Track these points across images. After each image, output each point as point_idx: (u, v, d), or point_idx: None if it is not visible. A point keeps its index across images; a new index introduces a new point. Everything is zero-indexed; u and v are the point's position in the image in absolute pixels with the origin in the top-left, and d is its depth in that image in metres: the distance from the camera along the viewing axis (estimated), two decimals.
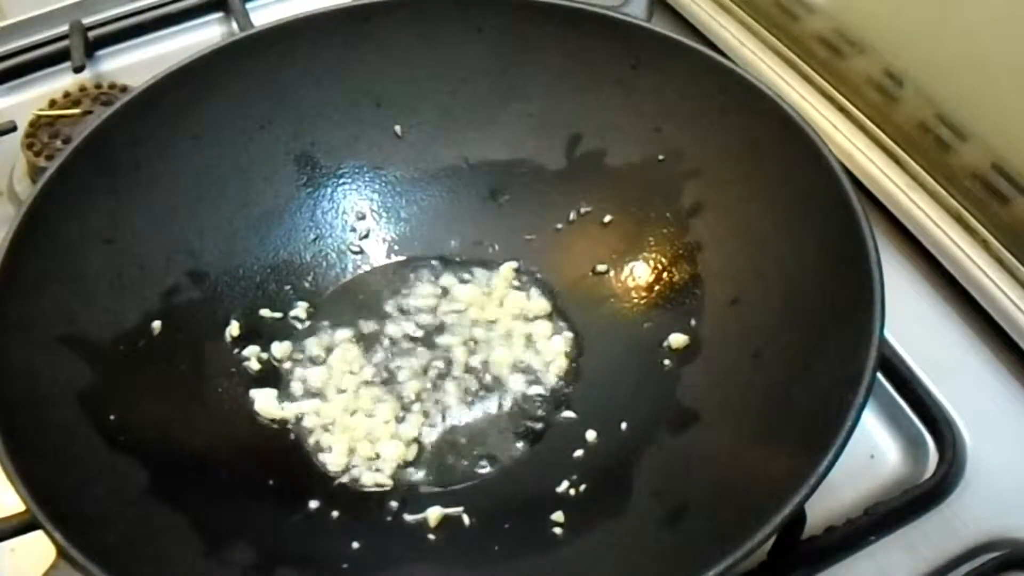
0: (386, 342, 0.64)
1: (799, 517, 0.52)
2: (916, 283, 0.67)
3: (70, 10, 0.87)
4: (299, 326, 0.65)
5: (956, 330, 0.65)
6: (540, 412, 0.61)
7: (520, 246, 0.67)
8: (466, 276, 0.67)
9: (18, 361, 0.53)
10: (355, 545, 0.55)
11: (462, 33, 0.67)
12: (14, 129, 0.77)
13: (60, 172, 0.58)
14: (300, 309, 0.65)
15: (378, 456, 0.59)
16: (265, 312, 0.65)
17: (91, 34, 0.85)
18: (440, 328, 0.65)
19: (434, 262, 0.68)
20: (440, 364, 0.63)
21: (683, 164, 0.64)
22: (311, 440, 0.60)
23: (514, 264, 0.67)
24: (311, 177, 0.68)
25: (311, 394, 0.62)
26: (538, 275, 0.66)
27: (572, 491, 0.57)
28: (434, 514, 0.56)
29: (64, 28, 0.85)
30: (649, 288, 0.64)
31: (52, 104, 0.78)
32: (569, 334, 0.64)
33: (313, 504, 0.57)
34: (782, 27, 0.79)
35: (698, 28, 0.83)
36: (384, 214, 0.69)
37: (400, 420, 0.61)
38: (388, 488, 0.58)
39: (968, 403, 0.61)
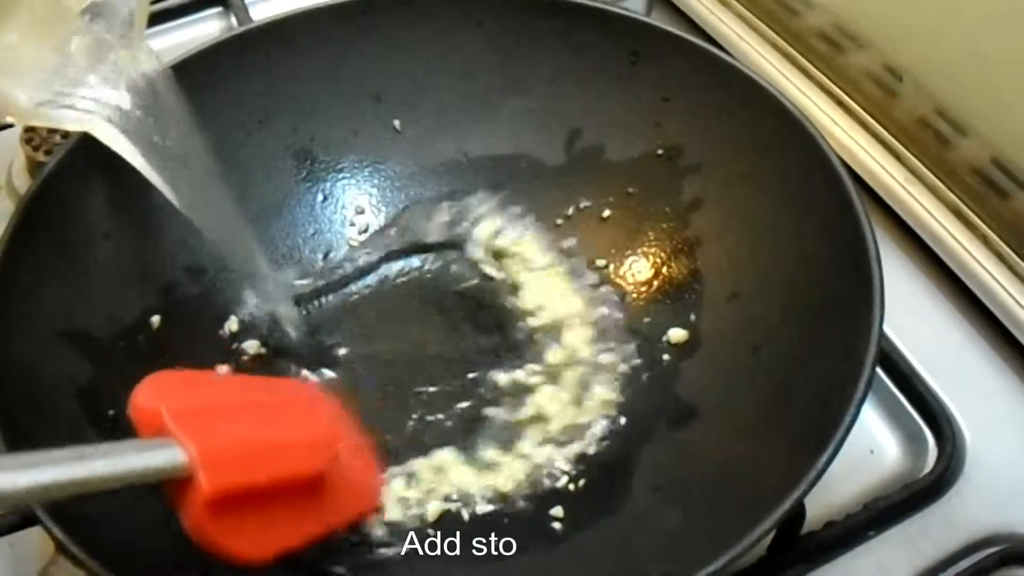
0: None
1: (798, 512, 0.52)
2: (916, 278, 0.67)
3: None
4: None
5: (955, 325, 0.65)
6: None
7: None
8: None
9: (17, 356, 0.53)
10: (354, 542, 0.55)
11: (462, 27, 0.67)
12: (13, 124, 0.76)
13: (59, 167, 0.58)
14: None
15: None
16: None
17: None
18: None
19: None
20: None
21: (682, 159, 0.64)
22: None
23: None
24: (310, 171, 0.68)
25: None
26: None
27: (571, 486, 0.57)
28: (432, 509, 0.56)
29: None
30: (648, 283, 0.64)
31: None
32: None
33: None
34: (781, 22, 0.79)
35: (697, 23, 0.83)
36: (383, 208, 0.69)
37: None
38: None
39: (967, 398, 0.61)
